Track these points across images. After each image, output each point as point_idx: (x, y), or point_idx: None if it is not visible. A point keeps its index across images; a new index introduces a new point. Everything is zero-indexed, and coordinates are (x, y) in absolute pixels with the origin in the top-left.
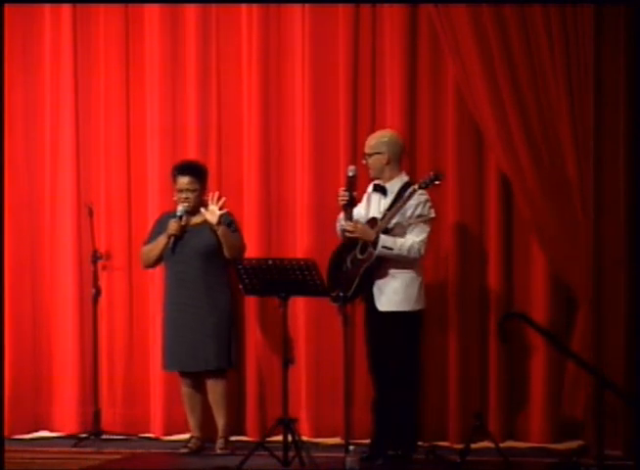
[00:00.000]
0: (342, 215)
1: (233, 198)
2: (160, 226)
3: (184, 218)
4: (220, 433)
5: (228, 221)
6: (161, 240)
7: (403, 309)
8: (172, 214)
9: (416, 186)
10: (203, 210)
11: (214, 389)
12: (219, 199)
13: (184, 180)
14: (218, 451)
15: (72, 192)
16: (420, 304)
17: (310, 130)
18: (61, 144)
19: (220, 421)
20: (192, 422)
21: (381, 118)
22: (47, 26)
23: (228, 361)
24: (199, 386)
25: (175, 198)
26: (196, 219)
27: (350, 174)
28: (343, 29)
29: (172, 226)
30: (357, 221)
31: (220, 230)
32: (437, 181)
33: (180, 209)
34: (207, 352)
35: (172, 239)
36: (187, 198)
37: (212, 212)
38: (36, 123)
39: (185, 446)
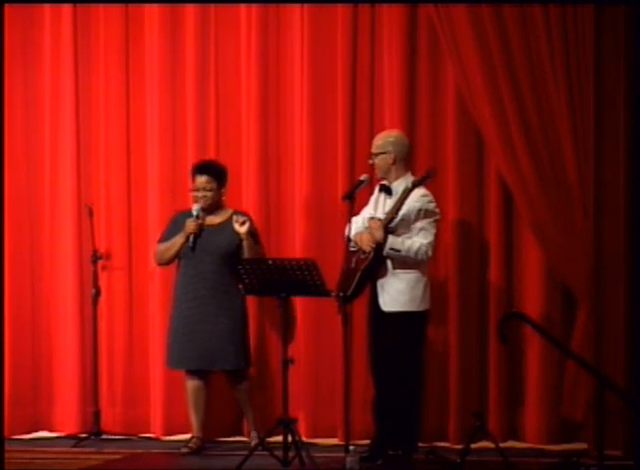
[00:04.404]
0: (352, 223)
1: (232, 197)
2: (174, 225)
3: (201, 217)
4: (252, 426)
5: (252, 230)
6: (179, 239)
7: (408, 310)
8: (187, 213)
9: (410, 184)
10: (237, 226)
11: (240, 388)
12: (244, 223)
13: (201, 179)
14: (253, 444)
15: (72, 192)
16: (425, 304)
17: (309, 130)
18: (61, 144)
19: (250, 416)
20: (194, 421)
21: (379, 118)
22: (47, 26)
23: (247, 361)
24: (206, 385)
25: (193, 196)
26: (214, 219)
27: (362, 178)
28: (342, 29)
29: (190, 225)
30: (357, 233)
31: (247, 242)
32: (429, 178)
33: (195, 208)
34: (227, 351)
35: (192, 238)
36: (204, 196)
37: (241, 229)
38: (36, 123)
39: (185, 446)
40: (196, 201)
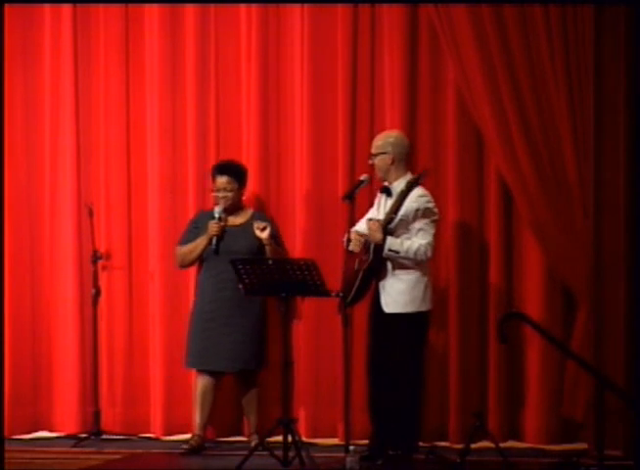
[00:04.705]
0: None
1: None
2: (195, 226)
3: (223, 218)
4: (253, 429)
5: (273, 233)
6: (201, 241)
7: (409, 311)
8: (208, 214)
9: (403, 187)
10: (257, 232)
11: (252, 397)
12: (264, 229)
13: (222, 180)
14: (253, 444)
15: (72, 192)
16: (425, 305)
17: (309, 130)
18: (61, 144)
19: (253, 421)
20: (198, 419)
21: (380, 118)
22: (47, 26)
23: (259, 362)
24: (217, 384)
25: (213, 196)
26: (235, 219)
27: (362, 178)
28: (343, 29)
29: (213, 228)
30: (355, 232)
31: (270, 247)
32: (423, 178)
33: (217, 210)
34: (241, 353)
35: (214, 240)
36: (224, 197)
37: (262, 235)
38: (36, 123)
39: (186, 443)
40: (216, 201)
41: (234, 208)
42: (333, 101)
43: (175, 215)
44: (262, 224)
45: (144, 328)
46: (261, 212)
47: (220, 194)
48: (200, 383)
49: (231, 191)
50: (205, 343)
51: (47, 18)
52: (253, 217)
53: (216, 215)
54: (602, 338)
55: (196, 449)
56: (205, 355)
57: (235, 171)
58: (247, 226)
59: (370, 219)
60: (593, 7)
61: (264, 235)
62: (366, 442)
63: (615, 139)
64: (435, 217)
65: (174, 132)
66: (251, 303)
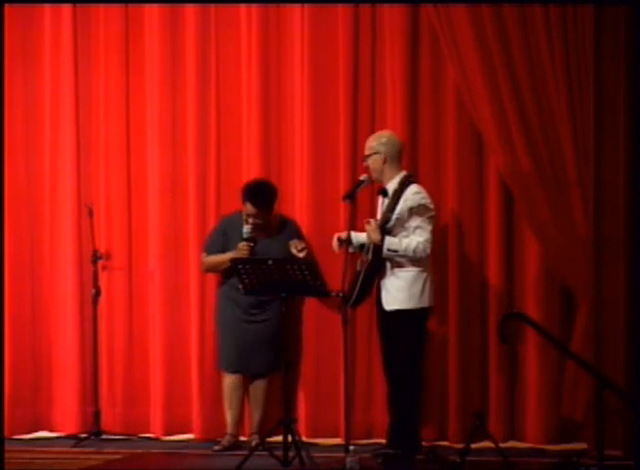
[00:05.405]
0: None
1: (233, 198)
2: (223, 234)
3: (251, 239)
4: (255, 429)
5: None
6: (229, 256)
7: (406, 307)
8: (236, 221)
9: (396, 186)
10: (294, 251)
11: (259, 385)
12: (302, 250)
13: (252, 209)
14: (253, 444)
15: (72, 192)
16: (424, 301)
17: (310, 130)
18: (61, 144)
19: (257, 417)
20: (228, 418)
21: (381, 119)
22: (47, 26)
23: (274, 367)
24: (242, 382)
25: (243, 216)
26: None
27: (362, 178)
28: (343, 29)
29: (244, 250)
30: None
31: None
32: (413, 178)
33: (246, 229)
34: (259, 357)
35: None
36: (254, 223)
37: (300, 254)
38: (36, 123)
39: (217, 444)
40: (246, 221)
41: (263, 226)
42: (333, 101)
43: (175, 215)
44: (301, 245)
45: (144, 328)
46: (290, 221)
47: (250, 220)
48: (226, 381)
49: (261, 219)
50: (236, 345)
51: (47, 18)
52: (281, 222)
53: (245, 236)
54: (602, 338)
55: (228, 449)
56: (235, 359)
57: (265, 202)
58: (276, 234)
59: (368, 221)
60: (593, 7)
61: (301, 255)
62: (366, 441)
63: (615, 139)
64: (431, 214)
65: (174, 132)
66: (274, 306)
